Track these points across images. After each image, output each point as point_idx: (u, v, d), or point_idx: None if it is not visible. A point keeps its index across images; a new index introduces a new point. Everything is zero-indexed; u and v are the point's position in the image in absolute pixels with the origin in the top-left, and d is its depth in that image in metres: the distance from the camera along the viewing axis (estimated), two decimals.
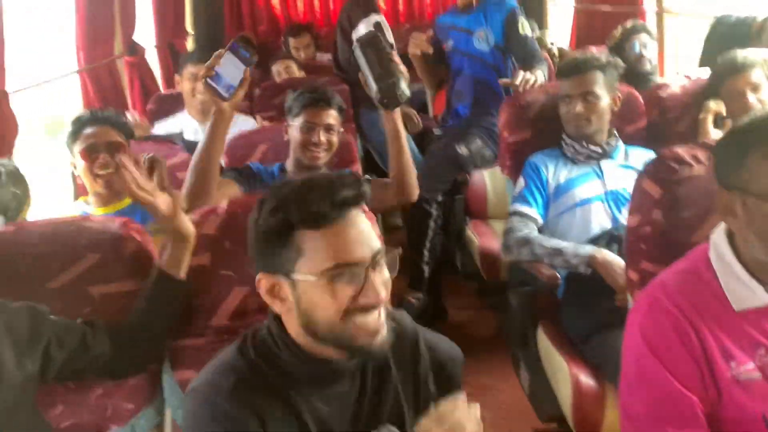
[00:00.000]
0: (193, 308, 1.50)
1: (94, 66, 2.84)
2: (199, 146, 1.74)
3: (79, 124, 1.98)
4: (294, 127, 2.12)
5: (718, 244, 1.17)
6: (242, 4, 5.49)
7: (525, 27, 2.86)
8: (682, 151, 1.44)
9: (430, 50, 2.98)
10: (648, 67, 2.93)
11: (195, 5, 5.00)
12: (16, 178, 1.78)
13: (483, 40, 2.95)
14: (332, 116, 2.13)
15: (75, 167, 1.98)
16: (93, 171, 1.93)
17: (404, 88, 1.83)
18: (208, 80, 1.66)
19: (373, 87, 1.85)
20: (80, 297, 1.47)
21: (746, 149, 1.09)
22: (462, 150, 2.94)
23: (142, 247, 1.50)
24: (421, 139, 3.67)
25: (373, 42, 1.91)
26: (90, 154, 1.93)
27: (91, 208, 1.99)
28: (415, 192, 2.04)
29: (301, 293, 1.03)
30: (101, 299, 1.47)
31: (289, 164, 2.16)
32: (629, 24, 3.05)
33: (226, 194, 1.82)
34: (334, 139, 2.14)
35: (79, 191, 2.26)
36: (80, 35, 2.77)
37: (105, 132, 1.96)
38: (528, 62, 2.76)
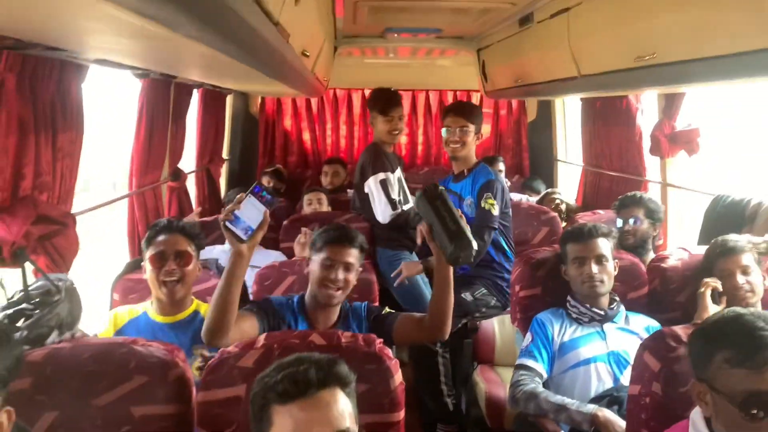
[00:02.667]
0: None
1: (143, 190, 3.11)
2: (219, 284, 1.80)
3: (154, 231, 2.12)
4: (315, 261, 2.15)
5: (696, 422, 1.32)
6: (276, 137, 5.90)
7: (487, 202, 3.05)
8: (680, 330, 1.61)
9: None
10: (630, 241, 3.00)
11: (233, 136, 5.39)
12: (73, 294, 1.93)
13: (470, 207, 3.16)
14: (353, 255, 2.16)
15: (145, 271, 2.11)
16: (159, 277, 2.05)
17: (474, 248, 1.90)
18: (227, 224, 1.76)
19: (447, 243, 1.89)
20: (122, 416, 1.59)
21: (713, 349, 1.26)
22: (466, 296, 3.11)
23: (185, 375, 1.64)
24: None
25: (442, 197, 1.96)
26: (158, 260, 2.06)
27: (149, 315, 2.11)
28: (448, 331, 2.11)
29: None
30: (141, 420, 1.59)
31: (308, 297, 2.19)
32: (628, 195, 3.15)
33: (243, 329, 1.90)
34: (352, 277, 2.15)
35: (114, 304, 2.39)
36: (136, 162, 3.07)
37: (176, 241, 2.09)
38: (474, 232, 2.99)
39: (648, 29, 2.18)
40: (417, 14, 3.57)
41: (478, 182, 3.14)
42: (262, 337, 1.72)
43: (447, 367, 3.11)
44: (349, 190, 4.87)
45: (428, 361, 3.10)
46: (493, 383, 2.93)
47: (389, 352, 1.72)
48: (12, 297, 1.85)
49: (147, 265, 2.10)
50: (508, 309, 3.11)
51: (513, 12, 3.28)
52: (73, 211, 2.23)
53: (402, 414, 1.65)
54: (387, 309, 2.25)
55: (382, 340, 1.75)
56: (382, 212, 3.42)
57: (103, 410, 1.58)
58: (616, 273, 2.39)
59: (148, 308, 2.12)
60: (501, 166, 4.80)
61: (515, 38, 3.63)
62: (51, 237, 2.00)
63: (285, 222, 3.61)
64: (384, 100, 3.51)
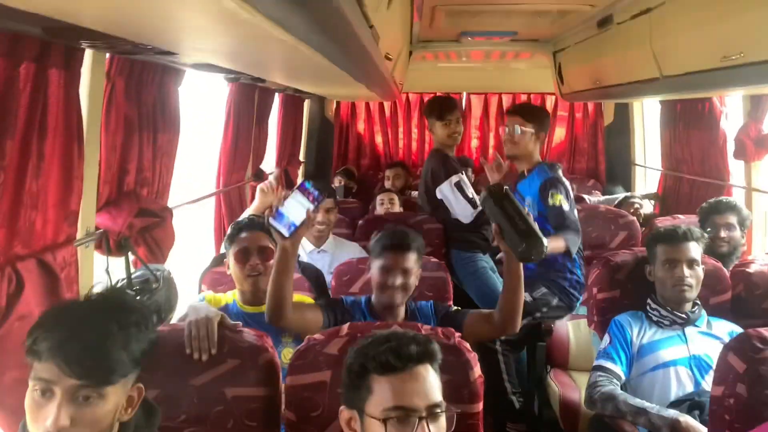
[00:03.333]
0: (310, 419, 1.69)
1: (228, 189, 3.28)
2: (272, 276, 1.95)
3: (236, 229, 2.24)
4: (374, 267, 2.19)
5: None
6: (349, 140, 6.04)
7: (554, 197, 3.00)
8: (766, 332, 1.58)
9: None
10: (724, 249, 2.93)
11: (309, 139, 5.57)
12: (170, 283, 2.08)
13: (531, 207, 3.11)
14: (411, 260, 2.16)
15: (228, 267, 2.23)
16: (243, 272, 2.16)
17: (545, 244, 1.96)
18: (270, 220, 1.83)
19: (517, 242, 1.94)
20: (216, 396, 1.69)
21: None
22: (525, 296, 3.08)
23: (273, 360, 1.74)
24: None
25: (508, 197, 2.00)
26: (242, 256, 2.17)
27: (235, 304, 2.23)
28: (518, 326, 2.16)
29: (366, 429, 1.27)
30: (233, 400, 1.69)
31: (374, 298, 2.23)
32: (722, 201, 3.08)
33: (306, 317, 2.05)
34: (411, 280, 2.16)
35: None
36: (223, 162, 3.25)
37: (258, 237, 2.19)
38: (556, 230, 2.95)
39: (735, 28, 2.13)
40: (493, 17, 3.59)
41: (537, 182, 3.13)
42: (346, 326, 1.80)
43: (509, 364, 3.08)
44: (413, 192, 4.92)
45: (488, 359, 3.09)
46: (568, 386, 2.91)
47: (467, 345, 1.76)
48: (115, 284, 2.01)
49: (231, 261, 2.21)
50: (574, 311, 3.10)
51: (592, 14, 3.25)
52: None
53: (480, 406, 1.69)
54: (454, 307, 2.29)
55: (460, 334, 1.79)
56: (463, 212, 3.46)
57: (199, 390, 1.69)
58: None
59: (237, 298, 2.24)
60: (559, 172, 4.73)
61: (593, 40, 3.60)
62: (151, 229, 2.15)
63: (360, 222, 3.72)
64: (439, 106, 3.59)
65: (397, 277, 2.13)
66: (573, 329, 3.10)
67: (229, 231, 2.29)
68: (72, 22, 1.19)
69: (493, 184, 2.10)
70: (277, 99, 4.37)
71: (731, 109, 3.76)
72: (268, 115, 3.85)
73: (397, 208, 4.29)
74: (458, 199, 3.45)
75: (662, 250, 2.36)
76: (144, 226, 2.09)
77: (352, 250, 3.29)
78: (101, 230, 1.95)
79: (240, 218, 3.11)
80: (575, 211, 3.11)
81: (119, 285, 1.99)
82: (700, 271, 2.31)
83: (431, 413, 1.24)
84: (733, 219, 2.97)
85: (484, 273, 3.50)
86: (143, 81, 2.10)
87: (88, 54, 1.72)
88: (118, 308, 1.18)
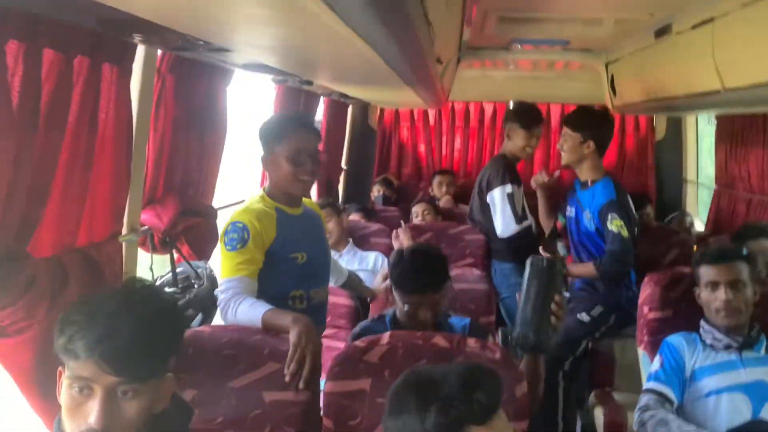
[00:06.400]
0: (349, 428, 1.65)
1: None
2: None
3: (289, 125, 2.08)
4: (399, 303, 2.06)
5: None
6: (392, 148, 6.01)
7: (613, 223, 2.89)
8: None
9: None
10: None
11: (351, 145, 5.56)
12: (213, 281, 2.08)
13: (589, 221, 3.04)
14: (438, 297, 2.03)
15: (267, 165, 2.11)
16: (295, 176, 2.04)
17: (553, 339, 1.77)
18: None
19: (528, 332, 1.74)
20: (254, 399, 1.67)
21: None
22: (582, 317, 2.98)
23: (314, 365, 1.70)
24: None
25: (547, 277, 1.77)
26: (297, 157, 2.02)
27: None
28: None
29: None
30: (271, 404, 1.67)
31: (398, 313, 2.11)
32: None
33: None
34: (439, 308, 2.06)
35: None
36: None
37: (314, 139, 2.08)
38: (608, 255, 2.91)
39: None
40: (546, 25, 3.51)
41: (599, 200, 3.03)
42: (387, 335, 1.75)
43: (567, 400, 2.99)
44: (462, 205, 4.87)
45: (550, 394, 2.98)
46: (612, 408, 2.80)
47: (513, 361, 1.70)
48: (155, 280, 2.01)
49: (281, 161, 2.04)
50: (628, 328, 2.98)
51: (649, 23, 3.15)
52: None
53: (526, 424, 1.62)
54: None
55: (505, 348, 1.73)
56: (506, 225, 3.38)
57: (237, 392, 1.67)
58: (757, 299, 2.21)
59: (272, 202, 2.10)
60: (648, 209, 4.53)
61: (649, 50, 3.48)
62: (195, 228, 2.15)
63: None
64: (530, 115, 3.50)
65: (427, 313, 2.00)
66: (618, 348, 2.99)
67: (277, 127, 2.08)
68: (126, 11, 1.18)
69: (555, 256, 1.94)
70: (322, 104, 4.38)
71: None
72: (313, 119, 3.86)
73: (433, 219, 4.25)
74: (505, 210, 3.37)
75: (705, 272, 2.22)
76: (188, 225, 2.10)
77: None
78: (146, 227, 1.96)
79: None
80: (634, 234, 3.01)
81: (162, 281, 1.99)
82: (748, 292, 2.17)
83: None
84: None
85: None
86: (193, 79, 2.10)
87: (140, 50, 1.73)
88: (150, 301, 1.17)
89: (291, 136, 2.02)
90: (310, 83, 2.75)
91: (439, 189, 5.12)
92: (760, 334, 2.21)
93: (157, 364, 1.16)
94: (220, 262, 1.96)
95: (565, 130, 3.10)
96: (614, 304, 3.00)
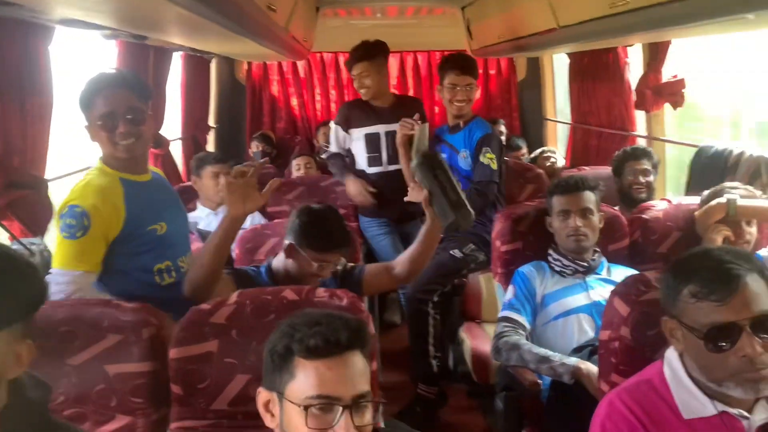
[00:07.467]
0: (197, 391, 1.62)
1: None
2: (209, 246, 1.83)
3: (91, 90, 1.91)
4: (298, 258, 2.05)
5: (671, 360, 1.33)
6: (263, 103, 5.84)
7: (486, 156, 3.08)
8: (650, 275, 1.61)
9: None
10: (643, 194, 3.03)
11: (219, 103, 5.33)
12: (47, 262, 1.93)
13: (465, 160, 3.17)
14: (340, 256, 2.10)
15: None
16: (113, 140, 1.89)
17: (473, 216, 2.05)
18: None
19: (448, 212, 2.01)
20: (96, 374, 1.60)
21: (680, 284, 1.26)
22: (455, 253, 3.11)
23: (159, 333, 1.65)
24: None
25: (442, 166, 2.05)
26: (109, 122, 1.88)
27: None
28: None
29: (285, 414, 1.17)
30: (116, 377, 1.60)
31: (275, 266, 2.13)
32: (638, 148, 3.21)
33: (222, 291, 1.88)
34: (336, 267, 2.11)
35: None
36: None
37: (124, 97, 1.89)
38: (477, 185, 3.07)
39: None
40: None
41: (475, 135, 3.14)
42: (235, 294, 1.72)
43: (437, 328, 3.11)
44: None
45: (420, 322, 3.10)
46: (480, 339, 2.96)
47: (361, 305, 1.72)
48: None
49: (92, 131, 1.92)
50: None
51: None
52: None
53: (375, 365, 1.66)
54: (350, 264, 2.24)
55: (353, 294, 1.75)
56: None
57: (77, 369, 1.59)
58: (601, 226, 2.38)
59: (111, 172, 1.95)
60: (502, 128, 4.87)
61: None
62: (23, 202, 1.99)
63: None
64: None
65: (326, 270, 2.06)
66: (485, 281, 3.14)
67: (84, 92, 1.89)
68: None
69: (428, 151, 2.10)
70: (178, 60, 4.16)
71: (634, 59, 3.82)
72: (166, 77, 3.64)
73: (315, 172, 4.21)
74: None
75: (557, 201, 2.38)
76: (14, 198, 1.93)
77: (256, 220, 3.20)
78: None
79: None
80: (501, 170, 3.17)
81: None
82: (595, 219, 2.34)
83: (356, 404, 1.14)
84: (648, 164, 3.09)
85: (385, 237, 3.54)
86: (3, 39, 1.91)
87: None
88: None
89: (96, 100, 1.85)
90: (143, 38, 2.57)
91: (325, 140, 5.07)
92: (601, 258, 2.38)
93: (3, 315, 1.03)
94: (55, 243, 1.83)
95: (468, 80, 3.15)
96: (483, 241, 3.13)
